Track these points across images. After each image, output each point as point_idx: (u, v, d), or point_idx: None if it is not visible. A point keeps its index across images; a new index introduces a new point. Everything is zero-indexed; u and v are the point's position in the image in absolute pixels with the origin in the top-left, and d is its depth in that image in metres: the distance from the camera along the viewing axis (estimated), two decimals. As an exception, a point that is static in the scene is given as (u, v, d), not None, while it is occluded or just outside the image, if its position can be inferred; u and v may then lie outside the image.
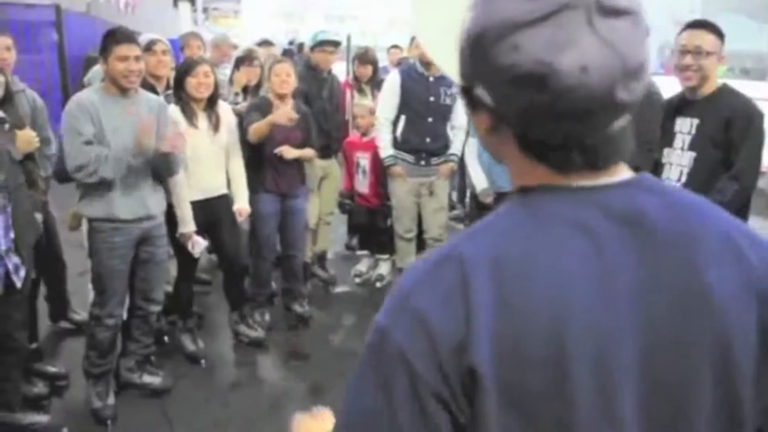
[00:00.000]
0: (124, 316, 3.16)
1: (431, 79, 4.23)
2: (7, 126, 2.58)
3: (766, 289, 0.72)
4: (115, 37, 2.90)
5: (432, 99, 4.23)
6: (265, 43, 5.66)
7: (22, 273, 2.62)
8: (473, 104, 0.77)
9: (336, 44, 4.57)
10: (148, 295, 3.21)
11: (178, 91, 3.48)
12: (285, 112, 3.63)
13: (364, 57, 5.37)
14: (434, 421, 0.70)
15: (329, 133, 4.57)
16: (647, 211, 0.73)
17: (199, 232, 3.48)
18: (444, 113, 4.30)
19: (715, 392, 0.71)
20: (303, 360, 3.81)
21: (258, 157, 3.82)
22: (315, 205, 4.57)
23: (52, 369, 3.36)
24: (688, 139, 2.83)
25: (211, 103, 3.53)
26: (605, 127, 0.72)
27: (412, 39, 4.37)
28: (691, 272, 0.71)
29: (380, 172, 4.55)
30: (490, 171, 4.06)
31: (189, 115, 3.45)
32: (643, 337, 0.70)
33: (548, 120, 0.71)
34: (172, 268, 3.73)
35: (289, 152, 3.81)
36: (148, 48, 3.62)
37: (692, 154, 2.82)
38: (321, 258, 4.88)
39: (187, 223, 3.41)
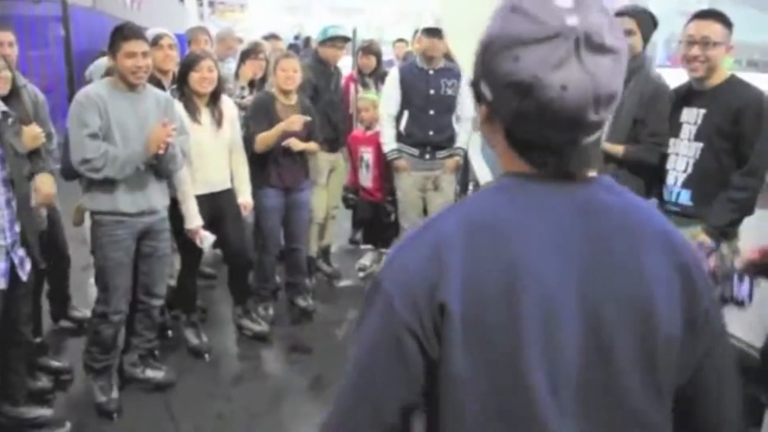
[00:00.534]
0: (127, 310, 3.15)
1: (431, 72, 4.24)
2: (10, 120, 2.58)
3: (688, 271, 0.92)
4: (123, 33, 2.90)
5: (432, 92, 4.23)
6: (272, 37, 5.64)
7: (28, 266, 2.63)
8: (478, 97, 0.94)
9: (346, 40, 4.58)
10: (151, 289, 3.21)
11: (182, 86, 3.48)
12: (297, 120, 3.69)
13: (368, 48, 5.40)
14: (408, 352, 0.89)
15: (336, 126, 4.58)
16: (603, 205, 0.91)
17: (204, 227, 3.49)
18: (447, 105, 4.29)
19: (637, 342, 0.88)
20: (306, 354, 3.81)
21: (262, 152, 3.83)
22: (324, 199, 4.57)
23: (56, 363, 3.38)
24: (694, 129, 2.80)
25: (215, 98, 3.53)
26: (576, 139, 0.88)
27: (415, 32, 4.36)
28: (630, 254, 0.90)
29: (384, 166, 4.55)
30: (496, 165, 4.06)
31: (192, 110, 3.46)
32: (583, 293, 0.87)
33: (530, 124, 0.87)
34: (176, 262, 3.74)
35: (296, 144, 3.82)
36: (155, 42, 3.62)
37: (699, 145, 2.78)
38: (325, 252, 4.89)
39: (194, 218, 3.41)
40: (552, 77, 0.82)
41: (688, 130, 2.82)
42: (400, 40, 7.31)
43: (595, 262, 0.88)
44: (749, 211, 2.74)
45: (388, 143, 4.33)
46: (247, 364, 3.72)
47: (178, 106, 3.36)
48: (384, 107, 4.36)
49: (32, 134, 2.93)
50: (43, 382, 3.20)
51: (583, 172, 0.92)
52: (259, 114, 3.82)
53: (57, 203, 3.41)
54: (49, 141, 3.42)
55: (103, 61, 3.52)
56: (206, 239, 3.43)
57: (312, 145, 3.97)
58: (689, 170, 2.82)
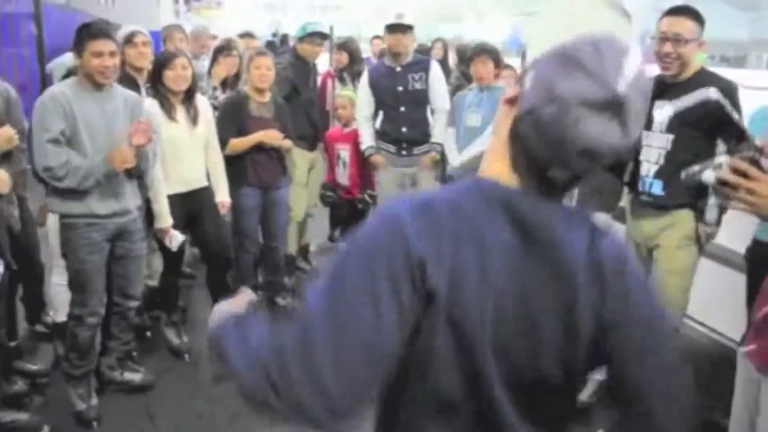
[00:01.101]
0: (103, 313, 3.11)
1: (398, 69, 4.27)
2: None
3: (603, 263, 0.99)
4: (89, 31, 2.82)
5: (400, 88, 4.26)
6: (247, 35, 5.58)
7: (0, 269, 2.59)
8: (521, 85, 0.98)
9: (324, 36, 4.57)
10: (126, 291, 3.17)
11: (156, 85, 3.44)
12: (274, 136, 3.76)
13: (342, 45, 5.41)
14: (402, 272, 0.93)
15: (315, 124, 4.57)
16: (551, 222, 0.99)
17: (180, 226, 3.46)
18: (418, 99, 4.31)
19: (560, 323, 0.98)
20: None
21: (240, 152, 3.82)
22: (303, 198, 4.56)
23: (32, 367, 3.33)
24: (665, 121, 2.84)
25: (189, 95, 3.50)
26: (568, 182, 0.99)
27: (387, 27, 4.32)
28: (558, 252, 0.98)
29: (361, 163, 4.56)
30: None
31: (167, 109, 3.42)
32: (520, 287, 0.97)
33: (538, 155, 0.96)
34: (156, 262, 3.70)
35: (271, 139, 3.81)
36: (129, 40, 3.58)
37: (670, 137, 2.83)
38: (304, 250, 4.87)
39: (164, 218, 3.37)
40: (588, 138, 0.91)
41: (659, 122, 2.86)
42: (377, 36, 7.32)
43: (529, 266, 0.98)
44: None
45: (365, 141, 4.38)
46: (227, 364, 3.69)
47: (152, 105, 3.32)
48: (359, 110, 4.42)
49: (6, 136, 2.84)
50: (19, 385, 3.14)
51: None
52: (229, 118, 3.81)
53: (29, 204, 3.36)
54: (23, 140, 3.37)
55: (67, 57, 3.45)
56: (175, 239, 3.40)
57: (287, 143, 3.96)
58: (661, 161, 2.86)
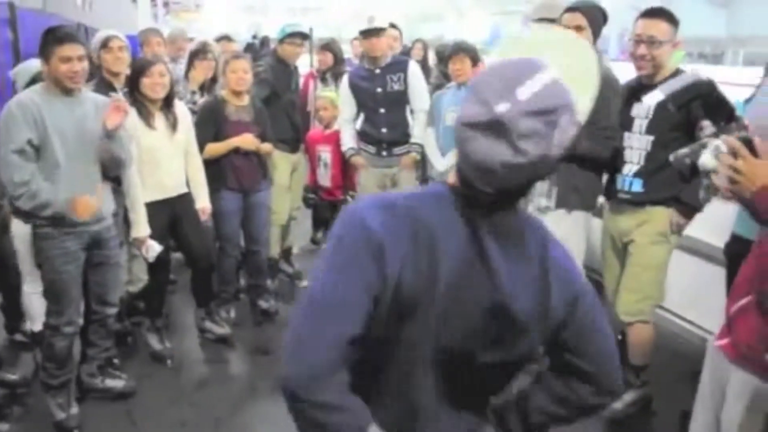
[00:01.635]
0: (80, 321, 3.07)
1: (377, 71, 4.28)
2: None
3: (547, 271, 1.16)
4: (56, 35, 2.75)
5: (379, 90, 4.28)
6: (225, 38, 5.53)
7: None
8: None
9: (304, 36, 4.55)
10: (105, 298, 3.12)
11: (133, 92, 3.41)
12: (250, 140, 3.75)
13: (326, 45, 5.39)
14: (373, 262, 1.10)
15: (297, 126, 4.56)
16: (511, 227, 1.15)
17: (162, 233, 3.44)
18: (397, 100, 4.33)
19: (489, 317, 1.13)
20: (270, 355, 3.78)
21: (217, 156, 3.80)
22: (287, 201, 4.54)
23: (11, 377, 3.29)
24: (645, 123, 2.88)
25: (168, 102, 3.47)
26: (507, 203, 1.14)
27: (360, 33, 4.32)
28: (500, 261, 1.13)
29: (343, 165, 4.57)
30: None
31: (146, 116, 3.39)
32: (462, 294, 1.12)
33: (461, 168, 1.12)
34: (137, 268, 3.67)
35: (248, 143, 3.80)
36: (105, 45, 3.54)
37: (650, 138, 2.87)
38: (287, 253, 4.86)
39: (141, 227, 3.34)
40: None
41: (639, 123, 2.90)
42: (357, 38, 7.29)
43: (479, 266, 1.13)
44: None
45: (346, 143, 4.41)
46: (209, 368, 3.68)
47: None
48: (341, 114, 4.47)
49: None
50: (-2, 396, 3.11)
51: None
52: (206, 122, 3.79)
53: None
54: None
55: (32, 62, 3.38)
56: (152, 249, 3.36)
57: (266, 146, 3.94)
58: (642, 162, 2.91)
